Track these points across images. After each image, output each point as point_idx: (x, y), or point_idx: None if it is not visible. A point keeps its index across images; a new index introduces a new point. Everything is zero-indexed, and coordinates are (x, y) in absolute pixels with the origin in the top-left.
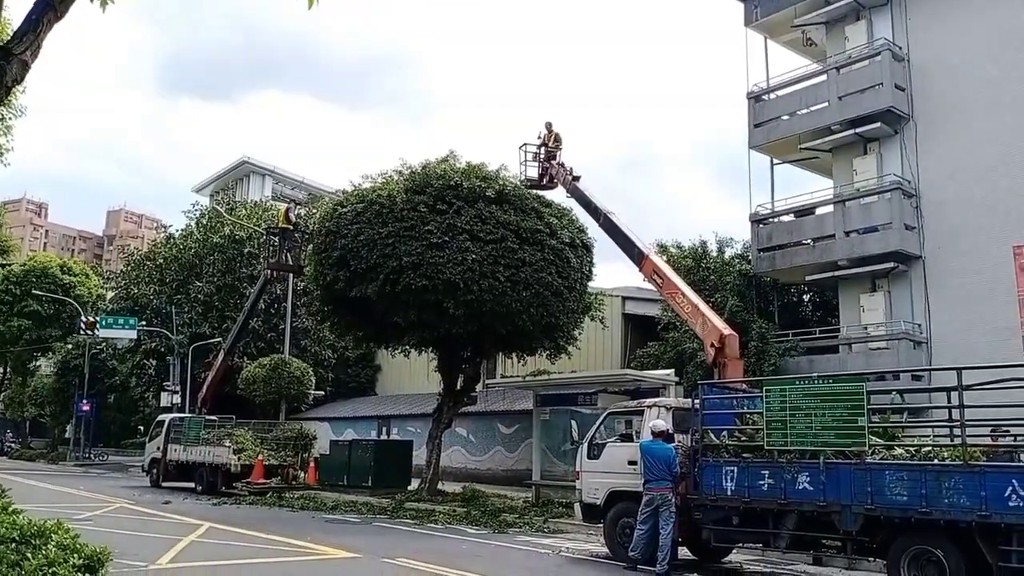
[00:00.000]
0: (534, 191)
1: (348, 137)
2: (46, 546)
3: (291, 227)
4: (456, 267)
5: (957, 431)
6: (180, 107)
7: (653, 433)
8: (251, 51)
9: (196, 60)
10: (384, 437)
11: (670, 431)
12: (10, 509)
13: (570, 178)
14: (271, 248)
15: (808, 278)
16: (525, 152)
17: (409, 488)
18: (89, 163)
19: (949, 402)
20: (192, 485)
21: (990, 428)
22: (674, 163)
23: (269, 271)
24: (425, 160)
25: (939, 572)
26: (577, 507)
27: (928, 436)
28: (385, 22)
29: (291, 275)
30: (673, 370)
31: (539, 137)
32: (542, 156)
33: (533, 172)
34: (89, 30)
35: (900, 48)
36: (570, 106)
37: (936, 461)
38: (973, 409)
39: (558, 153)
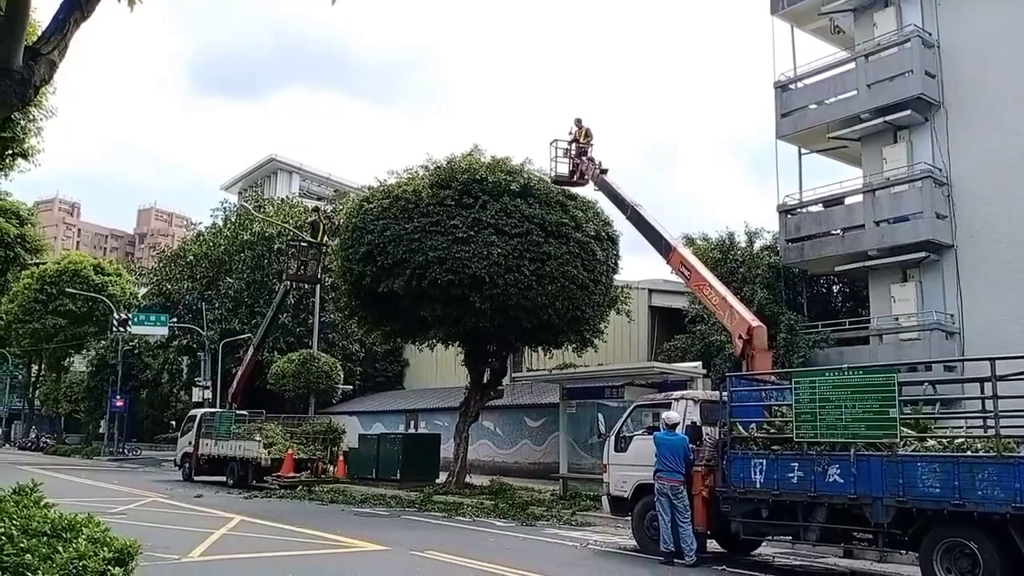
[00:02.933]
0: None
1: (377, 133)
2: (77, 539)
3: (318, 241)
4: (482, 261)
5: (991, 422)
6: (210, 106)
7: (666, 425)
8: (280, 49)
9: (226, 59)
10: (412, 431)
11: (695, 422)
12: (42, 503)
13: (598, 171)
14: (295, 254)
15: (837, 269)
16: (556, 148)
17: (437, 481)
18: (120, 163)
19: (982, 393)
20: (223, 479)
21: None
22: (704, 154)
23: (288, 282)
24: (450, 155)
25: (972, 565)
26: (605, 500)
27: (961, 427)
28: (414, 18)
29: (317, 275)
30: (701, 363)
31: (570, 133)
32: (573, 152)
33: (563, 168)
34: (120, 31)
35: (930, 34)
36: (598, 98)
37: (969, 452)
38: (1007, 400)
39: (589, 149)
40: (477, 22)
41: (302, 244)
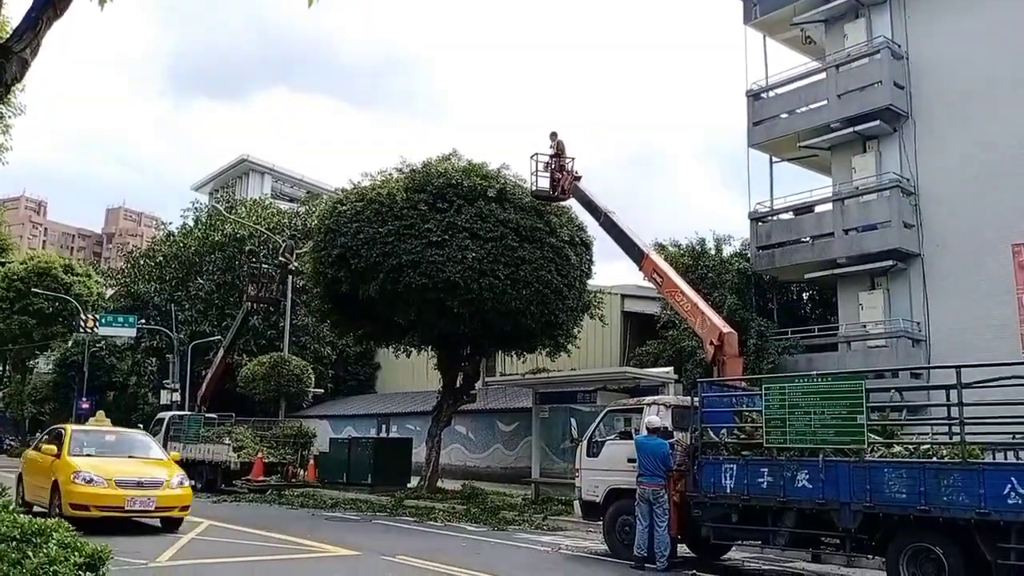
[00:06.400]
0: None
1: (357, 137)
2: (47, 544)
3: (287, 264)
4: (456, 265)
5: (956, 429)
6: (189, 106)
7: (648, 429)
8: (263, 51)
9: (207, 59)
10: (383, 435)
11: (667, 427)
12: (10, 507)
13: (571, 178)
14: (255, 276)
15: (807, 276)
16: (536, 162)
17: (408, 486)
18: (90, 161)
19: (948, 400)
20: (192, 483)
21: None
22: (681, 162)
23: (250, 303)
24: (426, 159)
25: (937, 569)
26: (576, 505)
27: (927, 434)
28: (396, 23)
29: (289, 275)
30: (672, 368)
31: (550, 147)
32: (553, 167)
33: (544, 183)
34: (100, 29)
35: (899, 46)
36: (579, 105)
37: (935, 459)
38: (972, 407)
39: (568, 163)
40: (461, 31)
41: (263, 266)
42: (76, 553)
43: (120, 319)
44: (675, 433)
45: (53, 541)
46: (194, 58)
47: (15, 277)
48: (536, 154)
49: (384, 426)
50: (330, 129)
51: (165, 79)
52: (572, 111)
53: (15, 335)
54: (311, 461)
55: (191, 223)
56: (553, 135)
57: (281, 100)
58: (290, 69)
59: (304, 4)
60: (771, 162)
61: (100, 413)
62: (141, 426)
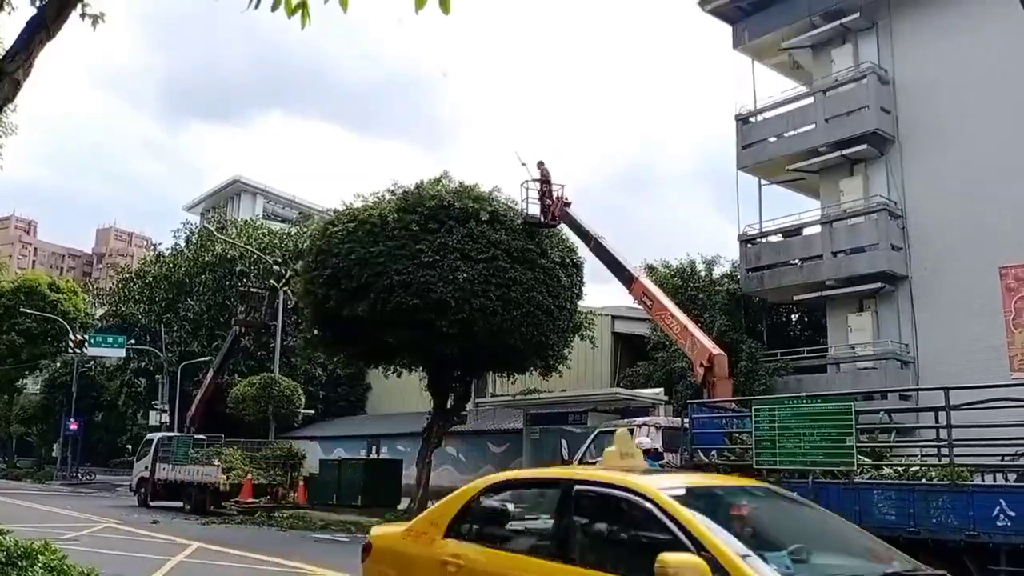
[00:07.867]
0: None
1: (351, 157)
2: (33, 567)
3: (278, 286)
4: (447, 286)
5: (945, 451)
6: (183, 127)
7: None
8: (259, 74)
9: (202, 81)
10: (374, 456)
11: (657, 449)
12: None
13: (561, 205)
14: (244, 299)
15: (796, 298)
16: (526, 190)
17: (399, 507)
18: (80, 180)
19: (936, 422)
20: (180, 505)
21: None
22: (674, 183)
23: (238, 328)
24: (418, 180)
25: None
26: None
27: (916, 456)
28: (390, 50)
29: (281, 292)
30: (662, 389)
31: (539, 171)
32: (543, 193)
33: (535, 210)
34: (92, 49)
35: (886, 71)
36: (570, 127)
37: (924, 481)
38: (960, 429)
39: (559, 190)
40: (457, 54)
41: (252, 290)
42: None
43: (109, 339)
44: (665, 454)
45: (39, 564)
46: (189, 78)
47: (1, 295)
48: (526, 182)
49: (374, 447)
50: (325, 151)
51: (159, 100)
52: (569, 133)
53: (3, 355)
54: (301, 483)
55: (182, 244)
56: (540, 164)
57: (276, 123)
58: (286, 92)
59: (299, 28)
60: (760, 185)
61: (621, 431)
62: (130, 447)
